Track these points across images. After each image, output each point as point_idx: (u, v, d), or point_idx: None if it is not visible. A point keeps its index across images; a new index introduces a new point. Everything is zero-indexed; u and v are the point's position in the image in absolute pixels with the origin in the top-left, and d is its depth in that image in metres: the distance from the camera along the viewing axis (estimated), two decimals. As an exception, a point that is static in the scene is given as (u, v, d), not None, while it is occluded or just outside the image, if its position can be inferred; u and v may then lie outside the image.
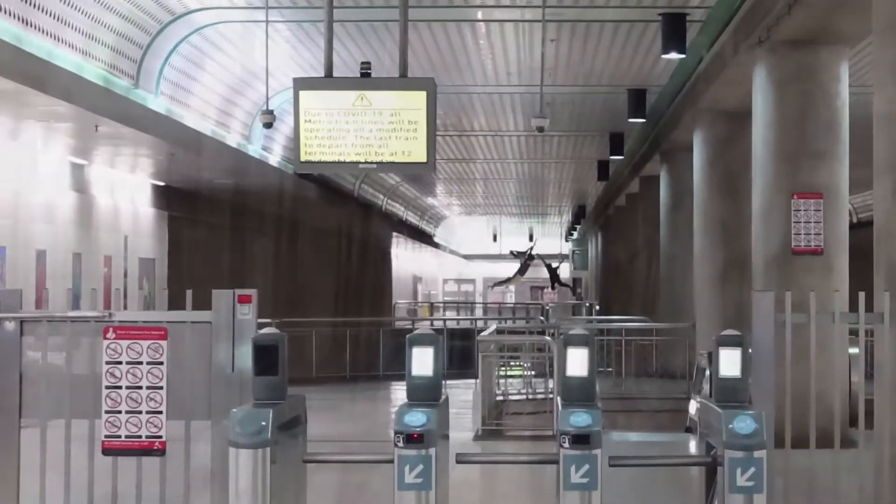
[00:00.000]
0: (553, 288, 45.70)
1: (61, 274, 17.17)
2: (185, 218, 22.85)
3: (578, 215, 44.84)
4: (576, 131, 25.78)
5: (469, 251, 65.68)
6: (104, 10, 14.04)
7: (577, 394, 6.05)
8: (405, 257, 47.60)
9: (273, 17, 15.30)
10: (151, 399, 6.40)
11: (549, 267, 45.69)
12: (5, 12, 11.98)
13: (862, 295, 6.65)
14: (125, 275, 19.65)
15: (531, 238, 50.91)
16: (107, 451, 6.42)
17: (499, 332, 17.15)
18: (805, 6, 11.71)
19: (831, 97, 12.80)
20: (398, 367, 19.55)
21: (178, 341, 6.43)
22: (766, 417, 5.86)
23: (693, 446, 10.02)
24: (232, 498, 5.82)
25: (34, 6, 12.57)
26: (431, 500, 5.84)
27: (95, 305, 6.61)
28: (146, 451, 6.41)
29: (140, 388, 6.40)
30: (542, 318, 27.77)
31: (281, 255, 27.67)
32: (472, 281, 68.44)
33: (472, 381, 14.57)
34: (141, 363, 6.40)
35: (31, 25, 12.56)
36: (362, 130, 9.28)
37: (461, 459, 6.28)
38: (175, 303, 6.63)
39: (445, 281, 66.93)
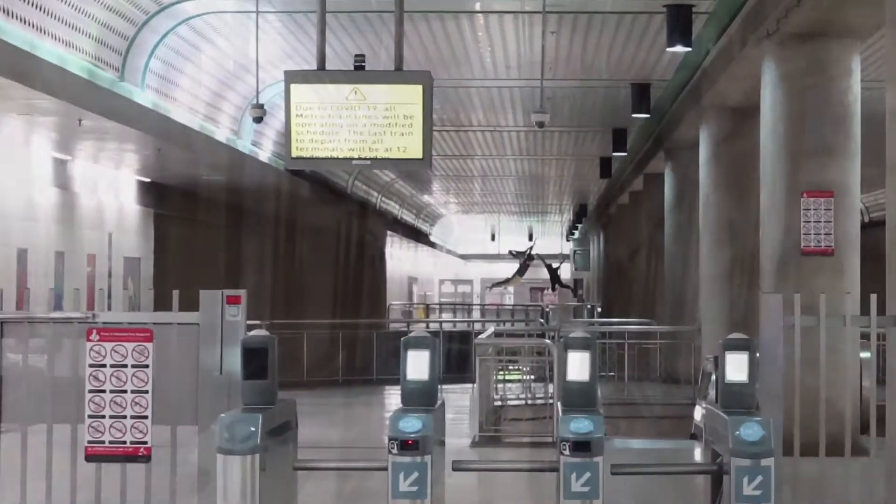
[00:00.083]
0: (553, 289, 45.73)
1: (43, 273, 17.16)
2: (171, 216, 22.85)
3: (580, 214, 44.84)
4: (577, 127, 25.78)
5: (466, 251, 65.69)
6: (88, 1, 14.04)
7: (578, 399, 6.05)
8: (400, 257, 47.61)
9: (263, 7, 15.30)
10: (136, 403, 6.40)
11: (549, 267, 45.70)
12: (-15, 2, 11.99)
13: (874, 297, 6.65)
14: (109, 274, 19.64)
15: (531, 237, 50.95)
16: (90, 458, 6.42)
17: (497, 334, 17.14)
18: (815, -3, 11.72)
19: (842, 92, 12.80)
20: (392, 370, 19.51)
21: (164, 343, 6.43)
22: (773, 424, 5.86)
23: (698, 454, 10.03)
24: (220, 506, 5.82)
25: (16, -5, 12.57)
26: (427, 509, 5.84)
27: (78, 306, 6.61)
28: (131, 457, 6.41)
29: (125, 391, 6.40)
30: (541, 320, 27.74)
31: (271, 255, 27.67)
32: (470, 282, 68.44)
33: (470, 385, 14.55)
34: (126, 366, 6.40)
35: (13, 16, 12.55)
36: (356, 125, 9.29)
37: (457, 467, 6.28)
38: (161, 303, 6.63)
39: (442, 282, 66.93)
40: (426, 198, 44.18)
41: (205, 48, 17.77)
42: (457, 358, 20.47)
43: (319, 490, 9.18)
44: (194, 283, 7.65)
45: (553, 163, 32.70)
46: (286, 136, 9.52)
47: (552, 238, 54.35)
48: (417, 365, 6.07)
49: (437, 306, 47.92)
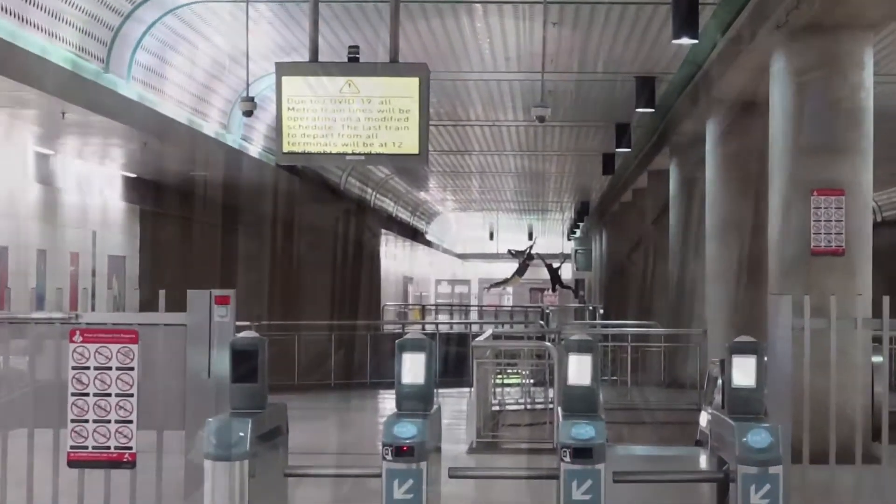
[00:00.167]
0: (554, 290, 45.72)
1: (24, 272, 17.16)
2: (158, 213, 22.84)
3: (581, 212, 44.84)
4: (579, 122, 25.79)
5: (464, 250, 65.71)
6: (72, -11, 14.05)
7: (580, 404, 6.05)
8: (395, 256, 47.62)
9: (254, -4, 15.30)
10: (121, 407, 6.40)
11: (549, 267, 45.70)
12: (-35, -10, 11.98)
13: (886, 299, 6.66)
14: (93, 273, 19.64)
15: (530, 236, 50.93)
16: (73, 463, 6.41)
17: (495, 337, 17.12)
18: (827, -12, 11.73)
19: (854, 87, 12.79)
20: (387, 373, 19.55)
21: (150, 345, 6.43)
22: (782, 430, 5.86)
23: (703, 461, 10.04)
24: (207, 514, 5.82)
25: (-3, -17, 12.56)
26: (422, 517, 5.84)
27: (61, 306, 6.61)
28: (115, 463, 6.40)
29: (109, 395, 6.40)
30: (541, 322, 27.76)
31: (260, 254, 27.66)
32: (467, 282, 68.46)
33: (467, 389, 14.56)
34: (110, 368, 6.40)
35: (-6, 4, 12.54)
36: (350, 119, 9.29)
37: (454, 474, 6.28)
38: (147, 304, 6.63)
39: (438, 282, 66.95)
40: (422, 195, 44.20)
41: (193, 39, 17.77)
42: (454, 361, 20.48)
43: (311, 498, 9.18)
44: (181, 283, 7.66)
45: (554, 159, 32.70)
46: (277, 130, 9.52)
47: (553, 237, 54.36)
48: (413, 368, 6.08)
49: (434, 307, 47.91)
